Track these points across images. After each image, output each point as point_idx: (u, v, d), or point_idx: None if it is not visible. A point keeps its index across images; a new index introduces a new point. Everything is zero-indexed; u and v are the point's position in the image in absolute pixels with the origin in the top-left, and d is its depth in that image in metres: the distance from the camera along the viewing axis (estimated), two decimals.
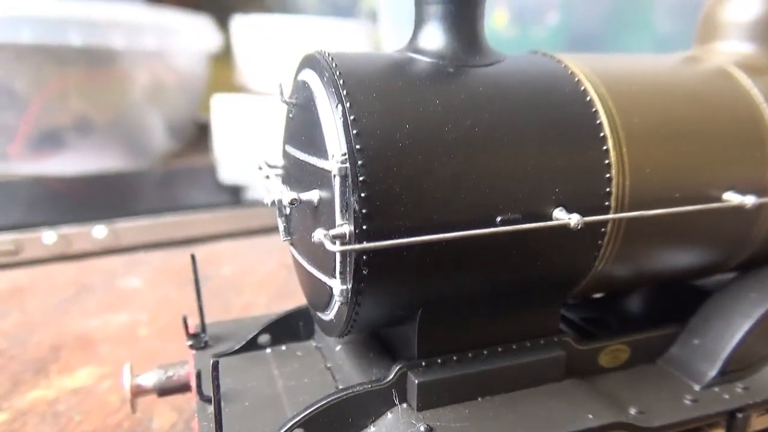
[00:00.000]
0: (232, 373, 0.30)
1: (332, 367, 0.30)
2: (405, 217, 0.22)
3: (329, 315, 0.26)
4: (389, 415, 0.25)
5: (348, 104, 0.22)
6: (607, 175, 0.24)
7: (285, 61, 1.31)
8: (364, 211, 0.21)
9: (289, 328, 0.33)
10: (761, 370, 0.29)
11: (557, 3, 1.19)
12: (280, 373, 0.30)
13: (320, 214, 0.23)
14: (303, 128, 0.25)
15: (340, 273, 0.22)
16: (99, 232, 0.75)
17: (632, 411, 0.26)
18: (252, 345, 0.33)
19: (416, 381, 0.25)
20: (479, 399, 0.26)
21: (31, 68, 1.02)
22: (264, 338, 0.33)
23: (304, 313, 0.33)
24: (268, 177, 0.29)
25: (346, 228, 0.21)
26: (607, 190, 0.25)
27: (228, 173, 1.08)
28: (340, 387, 0.28)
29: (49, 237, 0.72)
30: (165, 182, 1.12)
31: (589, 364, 0.29)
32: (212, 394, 0.21)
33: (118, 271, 0.71)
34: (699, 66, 0.30)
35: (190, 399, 0.45)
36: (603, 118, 0.25)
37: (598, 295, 0.37)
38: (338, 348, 0.30)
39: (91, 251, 0.75)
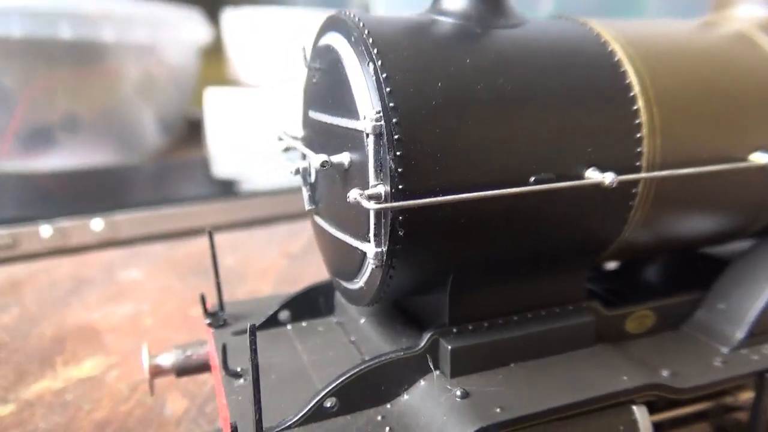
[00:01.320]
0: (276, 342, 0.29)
1: (356, 341, 0.30)
2: (440, 176, 0.21)
3: (359, 282, 0.25)
4: (422, 382, 0.25)
5: (379, 62, 0.21)
6: (638, 135, 0.24)
7: (278, 53, 1.30)
8: (399, 170, 0.21)
9: (308, 305, 0.33)
10: None
11: None
12: (303, 348, 0.30)
13: (351, 176, 0.23)
14: (329, 91, 0.24)
15: (375, 235, 0.22)
16: (96, 225, 0.74)
17: (664, 373, 0.26)
18: (272, 322, 0.32)
19: (449, 347, 0.25)
20: (511, 365, 0.26)
21: (20, 64, 1.00)
22: (284, 315, 0.32)
23: (324, 289, 0.33)
24: (287, 149, 0.29)
25: (381, 188, 0.21)
26: (639, 150, 0.24)
27: (221, 167, 1.07)
28: (366, 358, 0.28)
29: (45, 230, 0.71)
30: (158, 176, 1.10)
31: (616, 331, 0.28)
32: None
33: (117, 264, 0.70)
34: (719, 30, 0.30)
35: (201, 385, 0.45)
36: (633, 77, 0.24)
37: (612, 266, 0.36)
38: (362, 321, 0.29)
39: (88, 244, 0.74)
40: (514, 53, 0.24)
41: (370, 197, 0.21)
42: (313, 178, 0.26)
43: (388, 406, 0.25)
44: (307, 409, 0.23)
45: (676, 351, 0.28)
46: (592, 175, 0.23)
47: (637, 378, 0.25)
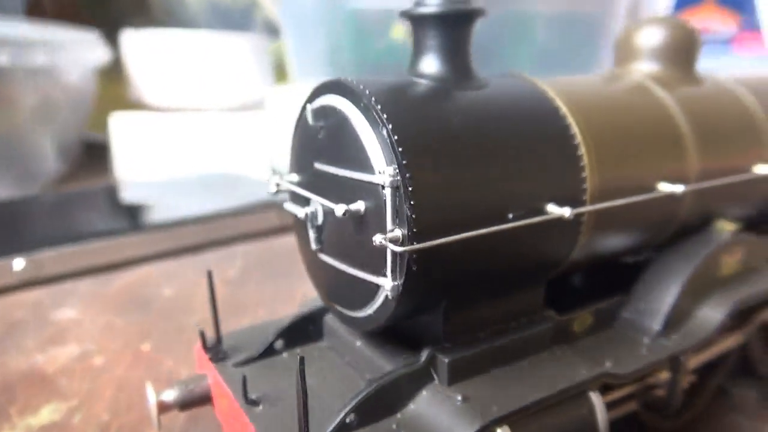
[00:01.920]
0: (258, 379, 0.32)
1: (351, 362, 0.34)
2: (444, 217, 0.26)
3: (368, 311, 0.29)
4: (424, 392, 0.29)
5: (390, 126, 0.26)
6: (583, 174, 0.30)
7: (182, 75, 1.29)
8: (413, 216, 0.25)
9: (299, 332, 0.36)
10: (689, 321, 0.36)
11: None
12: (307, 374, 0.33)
13: (366, 221, 0.27)
14: (338, 148, 0.28)
15: (392, 271, 0.26)
16: (18, 264, 0.71)
17: (608, 364, 0.32)
18: (268, 351, 0.35)
19: (446, 360, 0.29)
20: (494, 370, 0.31)
21: None
22: (278, 344, 0.35)
23: (312, 317, 0.36)
24: (284, 192, 0.32)
25: (398, 231, 0.25)
26: (584, 186, 0.31)
27: (131, 193, 1.05)
28: (368, 377, 0.32)
29: None
30: (63, 207, 1.05)
31: (566, 332, 0.34)
32: (298, 389, 0.23)
33: (46, 304, 0.67)
34: (624, 82, 0.38)
35: (173, 418, 0.46)
36: (575, 127, 0.31)
37: None
38: (358, 343, 0.33)
39: (9, 285, 0.71)
40: (486, 110, 0.29)
41: (391, 240, 0.25)
42: (320, 221, 0.30)
43: (399, 415, 0.29)
44: (333, 426, 0.27)
45: (612, 345, 0.35)
46: (553, 210, 0.29)
47: (593, 370, 0.31)
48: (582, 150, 0.30)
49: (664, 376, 0.35)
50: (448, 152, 0.27)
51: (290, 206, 0.31)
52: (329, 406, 0.30)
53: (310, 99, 0.31)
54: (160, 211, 0.90)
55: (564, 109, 0.31)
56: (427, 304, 0.29)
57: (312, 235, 0.30)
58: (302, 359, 0.23)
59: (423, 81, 0.30)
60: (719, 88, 0.40)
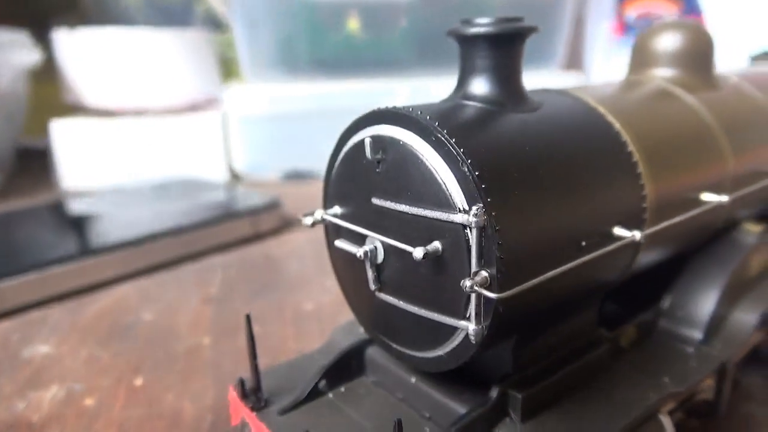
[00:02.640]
0: (310, 425, 0.30)
1: (406, 398, 0.32)
2: (529, 254, 0.25)
3: (438, 352, 0.27)
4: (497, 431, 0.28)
5: (469, 161, 0.24)
6: (643, 193, 0.30)
7: (121, 74, 1.21)
8: (502, 257, 0.23)
9: (343, 369, 0.34)
10: (726, 326, 0.37)
11: (404, 9, 1.26)
12: (359, 415, 0.31)
13: (443, 261, 0.25)
14: (404, 184, 0.26)
15: (476, 315, 0.24)
16: None
17: (665, 379, 0.32)
18: (311, 394, 0.33)
19: (519, 396, 0.28)
20: (561, 401, 0.30)
21: None
22: (322, 384, 0.33)
23: (354, 352, 0.34)
24: (315, 223, 0.30)
25: (484, 273, 0.24)
26: (643, 205, 0.30)
27: (81, 205, 0.98)
28: (427, 415, 0.30)
29: None
30: (11, 225, 0.97)
31: (615, 349, 0.34)
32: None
33: (14, 339, 0.62)
34: (651, 89, 0.37)
35: None
36: (631, 146, 0.30)
37: None
38: (413, 380, 0.31)
39: None
40: (551, 135, 0.28)
41: (480, 284, 0.23)
42: (380, 260, 0.28)
43: None
44: None
45: (661, 359, 0.34)
46: (622, 233, 0.28)
47: (658, 391, 0.30)
48: (640, 167, 0.30)
49: (708, 382, 0.36)
50: (526, 185, 0.25)
51: (342, 243, 0.29)
52: None
53: (356, 128, 0.29)
54: (115, 224, 0.84)
55: (617, 125, 0.30)
56: (501, 342, 0.28)
57: (371, 274, 0.28)
58: (400, 422, 0.21)
59: (476, 104, 0.28)
60: (738, 91, 0.40)
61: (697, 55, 0.39)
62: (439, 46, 1.25)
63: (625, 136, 0.30)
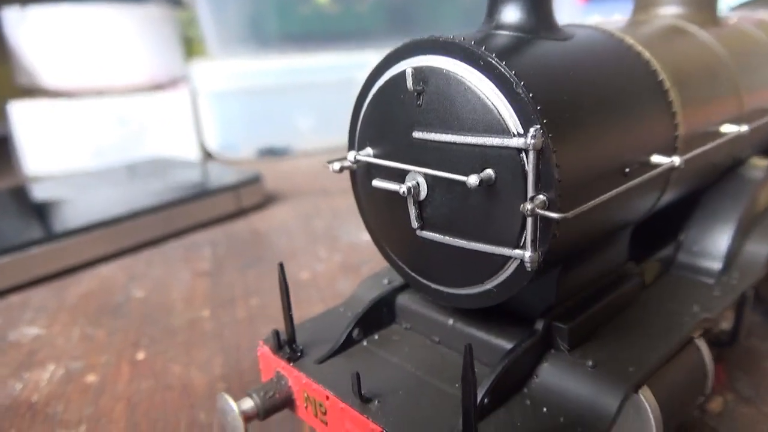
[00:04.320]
0: (351, 371, 0.29)
1: (444, 341, 0.31)
2: (583, 178, 0.24)
3: (486, 286, 0.27)
4: (545, 364, 0.28)
5: (522, 83, 0.23)
6: (675, 121, 0.30)
7: (79, 53, 1.16)
8: (559, 180, 0.23)
9: (375, 318, 0.33)
10: (741, 257, 0.38)
11: None
12: (399, 360, 0.31)
13: (496, 190, 0.24)
14: (449, 113, 0.25)
15: (532, 241, 0.24)
16: None
17: (695, 308, 0.33)
18: (346, 343, 0.32)
19: (565, 327, 0.28)
20: (602, 331, 0.30)
21: None
22: (356, 332, 0.32)
23: (386, 300, 0.34)
24: (342, 169, 0.29)
25: (543, 197, 0.23)
26: (676, 133, 0.30)
27: (46, 190, 0.94)
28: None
29: None
30: None
31: (642, 283, 0.34)
32: (464, 378, 0.21)
33: (3, 319, 0.59)
34: (664, 25, 0.37)
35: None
36: (662, 74, 0.30)
37: None
38: (451, 322, 0.31)
39: None
40: (587, 62, 0.27)
41: (539, 207, 0.23)
42: (423, 196, 0.27)
43: (526, 390, 0.27)
44: (473, 411, 0.25)
45: (686, 290, 0.35)
46: (660, 160, 0.28)
47: (692, 318, 0.31)
48: (671, 96, 0.30)
49: (726, 311, 0.37)
50: (575, 110, 0.25)
51: (381, 183, 0.28)
52: (443, 389, 0.28)
53: (389, 63, 0.28)
54: (91, 205, 0.80)
55: (647, 55, 0.30)
56: (550, 271, 0.27)
57: (413, 212, 0.27)
58: (469, 347, 0.21)
59: (509, 33, 0.28)
60: (741, 29, 0.41)
61: None
62: (409, 16, 1.23)
63: (656, 65, 0.30)
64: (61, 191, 0.88)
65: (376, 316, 0.33)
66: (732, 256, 0.37)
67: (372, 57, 1.21)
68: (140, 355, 0.51)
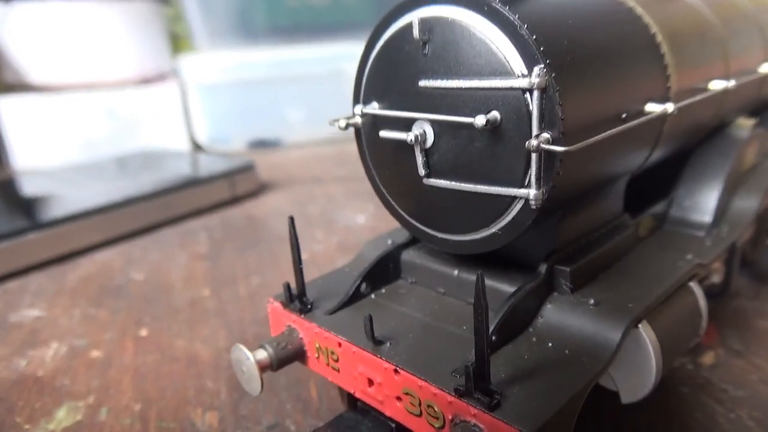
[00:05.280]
0: (360, 321, 0.30)
1: (450, 292, 0.33)
2: (585, 118, 0.26)
3: (491, 230, 0.28)
4: (548, 305, 0.29)
5: (526, 26, 0.24)
6: (667, 73, 0.31)
7: (68, 49, 1.16)
8: (562, 117, 0.24)
9: (380, 273, 0.34)
10: (729, 211, 0.39)
11: None
12: (408, 309, 0.32)
13: (501, 131, 0.26)
14: (455, 59, 0.26)
15: (537, 179, 0.25)
16: None
17: (689, 256, 0.34)
18: (354, 296, 0.33)
19: (568, 269, 0.29)
20: (601, 275, 0.31)
21: None
22: (363, 287, 0.33)
23: (392, 256, 0.35)
24: (348, 126, 0.30)
25: (546, 135, 0.24)
26: (668, 85, 0.31)
27: (36, 182, 0.93)
28: (471, 302, 0.31)
29: None
30: None
31: (636, 236, 0.36)
32: (481, 303, 0.22)
33: (2, 303, 0.59)
34: None
35: (214, 396, 0.42)
36: (657, 31, 0.31)
37: None
38: (456, 272, 0.32)
39: None
40: (589, 13, 0.29)
41: (544, 143, 0.24)
42: (429, 143, 0.28)
43: (531, 330, 0.29)
44: (485, 346, 0.26)
45: (679, 241, 0.37)
46: (654, 108, 0.29)
47: (686, 263, 0.32)
48: (664, 49, 0.31)
49: (717, 265, 0.38)
50: (576, 53, 0.26)
51: (388, 133, 0.29)
52: (452, 332, 0.29)
53: (392, 18, 0.29)
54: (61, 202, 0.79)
55: (644, 14, 0.32)
56: (552, 213, 0.29)
57: (420, 159, 0.28)
58: (481, 275, 0.22)
59: None
60: None
61: None
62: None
63: (652, 25, 0.31)
64: (51, 184, 0.87)
65: (382, 271, 0.34)
66: (721, 211, 0.38)
67: (361, 49, 1.22)
68: (143, 332, 0.52)
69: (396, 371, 0.26)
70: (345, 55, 1.20)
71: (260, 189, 0.93)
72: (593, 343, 0.27)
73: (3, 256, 0.65)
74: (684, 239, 0.37)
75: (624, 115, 0.28)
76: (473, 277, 0.31)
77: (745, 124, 0.41)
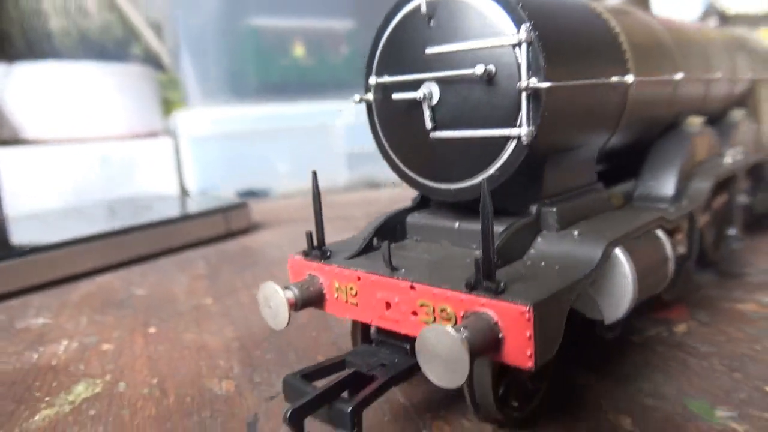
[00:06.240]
0: (379, 261, 0.34)
1: (453, 242, 0.37)
2: (565, 68, 0.32)
3: (490, 171, 0.33)
4: (539, 239, 0.34)
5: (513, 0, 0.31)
6: (626, 58, 0.38)
7: (62, 107, 1.22)
8: (546, 66, 0.30)
9: (390, 231, 0.38)
10: (688, 191, 0.45)
11: (345, 35, 1.36)
12: (417, 254, 0.36)
13: (496, 81, 0.31)
14: (456, 29, 0.32)
15: (527, 118, 0.31)
16: None
17: (656, 214, 0.40)
18: (367, 249, 0.37)
19: (554, 209, 0.34)
20: (583, 221, 0.36)
21: None
22: (374, 241, 0.38)
23: (399, 217, 0.39)
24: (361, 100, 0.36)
25: (534, 80, 0.30)
26: (627, 66, 0.38)
27: (26, 234, 0.95)
28: (474, 246, 0.36)
29: None
30: None
31: (608, 200, 0.41)
32: (487, 206, 0.27)
33: (9, 315, 0.60)
34: (615, 7, 0.47)
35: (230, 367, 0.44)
36: (618, 29, 0.39)
37: None
38: (457, 224, 0.37)
39: None
40: (566, 3, 0.35)
41: (530, 88, 0.30)
42: (435, 100, 0.34)
43: (525, 258, 0.33)
44: (492, 263, 0.30)
45: (648, 210, 0.42)
46: (619, 80, 0.36)
47: (655, 215, 0.38)
48: (624, 45, 0.38)
49: (680, 236, 0.44)
50: (556, 20, 0.33)
51: (400, 95, 0.35)
52: (458, 263, 0.33)
53: (404, 2, 0.35)
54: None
55: (608, 17, 0.39)
56: (539, 159, 0.34)
57: (428, 114, 0.34)
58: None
59: None
60: (669, 20, 0.51)
61: None
62: None
63: (613, 23, 0.39)
64: (42, 225, 0.89)
65: (391, 229, 0.38)
66: (680, 189, 0.44)
67: (345, 105, 1.30)
68: (152, 330, 0.54)
69: (412, 287, 0.30)
70: (330, 111, 1.28)
71: (253, 227, 0.97)
72: (579, 261, 0.31)
73: (4, 275, 0.66)
74: (653, 209, 0.42)
75: (594, 80, 0.34)
76: (473, 226, 0.36)
77: (694, 122, 0.48)
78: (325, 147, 1.32)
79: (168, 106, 1.50)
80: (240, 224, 0.92)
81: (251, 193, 1.27)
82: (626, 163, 0.46)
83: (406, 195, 0.42)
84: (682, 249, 0.44)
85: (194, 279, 0.70)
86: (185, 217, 0.85)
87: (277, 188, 1.29)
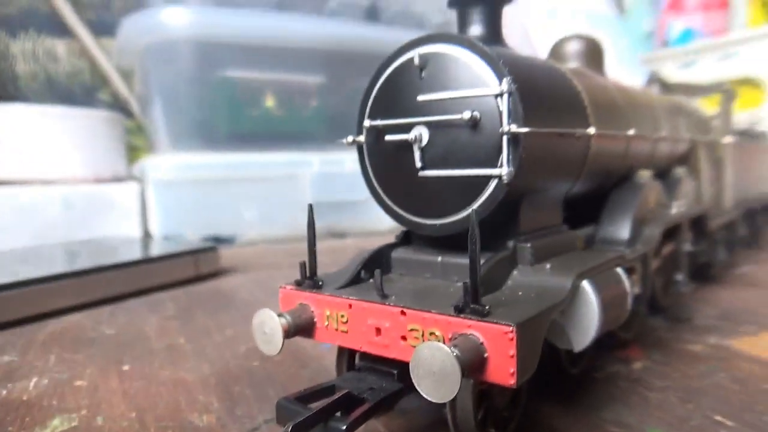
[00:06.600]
0: (368, 291, 0.37)
1: (435, 275, 0.40)
2: (540, 117, 0.36)
3: (473, 206, 0.37)
4: (515, 272, 0.37)
5: (496, 56, 0.35)
6: (587, 113, 0.43)
7: (26, 148, 1.21)
8: (524, 114, 0.34)
9: (375, 264, 0.41)
10: (641, 236, 0.50)
11: (315, 89, 1.42)
12: (402, 285, 0.38)
13: (481, 126, 0.35)
14: (446, 79, 0.36)
15: (507, 160, 0.34)
16: None
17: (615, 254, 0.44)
18: (355, 280, 0.39)
19: (528, 245, 0.38)
20: (553, 258, 0.40)
21: None
22: (362, 273, 0.40)
23: (385, 252, 0.42)
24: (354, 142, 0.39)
25: (514, 126, 0.34)
26: (589, 121, 0.43)
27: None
28: (456, 278, 0.38)
29: None
30: None
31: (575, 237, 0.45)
32: (475, 234, 0.30)
33: None
34: (575, 71, 0.52)
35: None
36: (584, 95, 0.43)
37: None
38: (440, 258, 0.40)
39: None
40: (532, 62, 0.40)
41: (512, 129, 0.34)
42: (425, 142, 0.37)
43: (503, 287, 0.36)
44: (476, 290, 0.33)
45: (608, 252, 0.46)
46: (583, 131, 0.40)
47: (614, 254, 0.42)
48: (588, 110, 0.43)
49: (635, 277, 0.48)
50: (532, 79, 0.37)
51: (392, 137, 0.38)
52: (443, 292, 0.36)
53: (396, 56, 0.39)
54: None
55: (569, 74, 0.44)
56: (514, 198, 0.37)
57: (417, 155, 0.37)
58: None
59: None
60: (619, 83, 0.57)
61: (595, 55, 0.56)
62: (346, 122, 1.40)
63: (576, 83, 0.44)
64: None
65: (376, 262, 0.41)
66: (634, 234, 0.49)
67: (313, 157, 1.34)
68: (126, 367, 0.54)
69: (403, 312, 0.33)
70: (299, 162, 1.31)
71: (222, 271, 0.97)
72: (552, 290, 0.34)
73: None
74: (611, 251, 0.46)
75: (562, 132, 0.39)
76: (454, 260, 0.39)
77: (644, 174, 0.53)
78: (292, 196, 1.35)
79: (135, 152, 1.51)
80: (209, 268, 0.92)
81: (217, 239, 1.27)
82: (585, 211, 0.50)
83: (372, 244, 0.44)
84: (637, 289, 0.48)
85: (165, 319, 0.70)
86: (155, 259, 0.85)
87: (242, 235, 1.29)
